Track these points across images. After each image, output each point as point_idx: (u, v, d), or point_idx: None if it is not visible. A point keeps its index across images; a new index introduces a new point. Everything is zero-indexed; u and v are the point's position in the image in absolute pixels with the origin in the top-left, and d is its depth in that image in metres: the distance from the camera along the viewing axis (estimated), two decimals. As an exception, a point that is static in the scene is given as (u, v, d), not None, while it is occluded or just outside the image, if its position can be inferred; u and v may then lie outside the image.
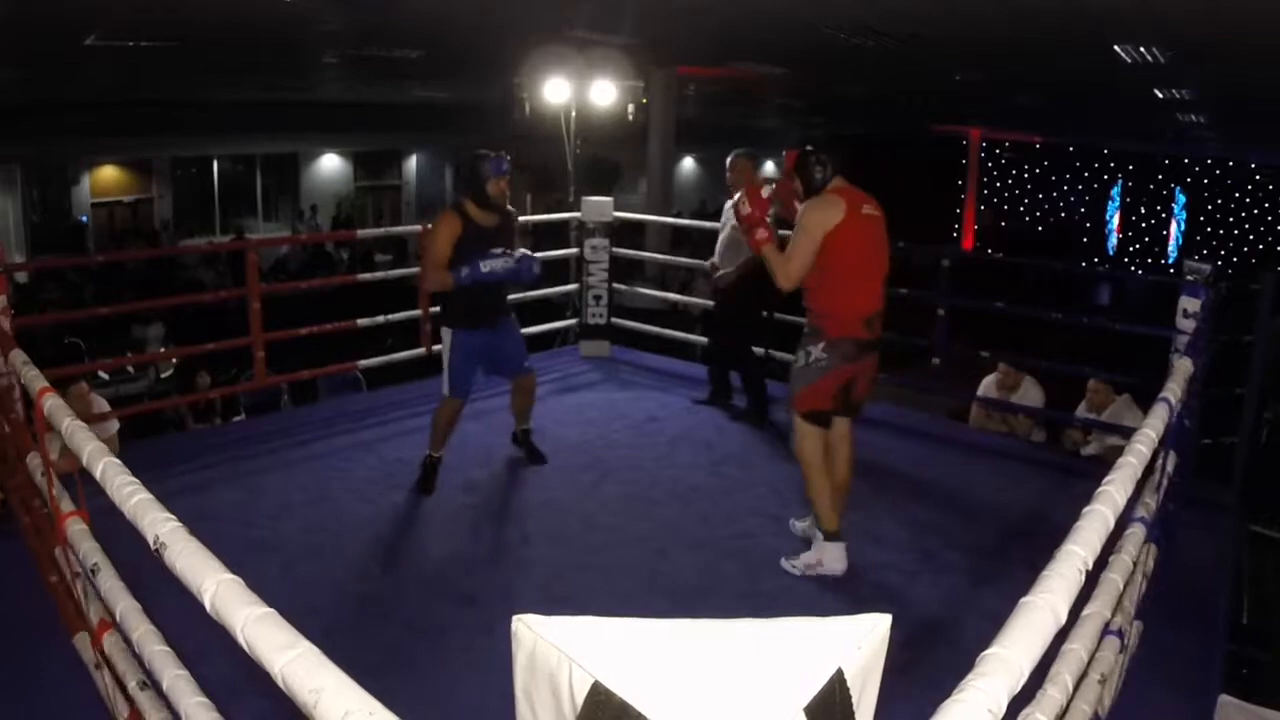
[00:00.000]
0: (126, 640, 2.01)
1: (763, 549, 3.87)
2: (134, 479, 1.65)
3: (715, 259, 5.29)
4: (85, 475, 1.93)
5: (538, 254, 4.40)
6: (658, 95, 10.83)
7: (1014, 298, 5.44)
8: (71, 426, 1.98)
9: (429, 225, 4.28)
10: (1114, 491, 1.63)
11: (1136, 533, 2.27)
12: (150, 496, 1.58)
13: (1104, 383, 5.23)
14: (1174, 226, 18.30)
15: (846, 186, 3.43)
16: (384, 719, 0.98)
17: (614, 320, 6.55)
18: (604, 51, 7.63)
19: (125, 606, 1.98)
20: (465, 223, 4.04)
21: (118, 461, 1.74)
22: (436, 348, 4.66)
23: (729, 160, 5.03)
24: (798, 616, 0.94)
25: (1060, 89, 10.61)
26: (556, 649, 0.90)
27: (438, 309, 4.37)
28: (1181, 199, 18.11)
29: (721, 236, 5.25)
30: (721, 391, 5.59)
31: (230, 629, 1.21)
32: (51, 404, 2.16)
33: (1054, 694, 1.64)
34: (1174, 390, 2.40)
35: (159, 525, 1.46)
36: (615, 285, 6.54)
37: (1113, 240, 19.01)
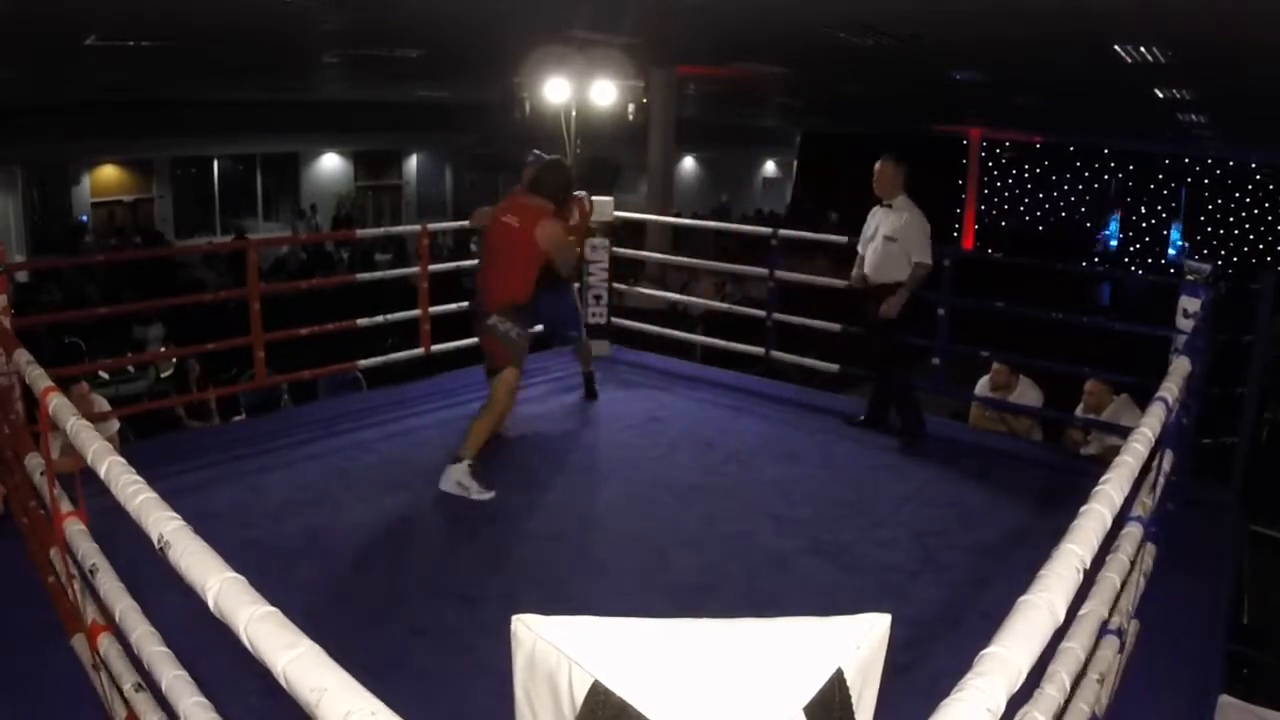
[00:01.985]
0: (124, 641, 2.01)
1: (763, 549, 3.87)
2: (138, 478, 1.66)
3: (867, 272, 5.02)
4: (85, 475, 1.94)
5: None
6: (658, 95, 10.83)
7: (1014, 297, 5.44)
8: (76, 426, 1.98)
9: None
10: (1111, 491, 1.63)
11: (1133, 532, 2.27)
12: (155, 495, 1.59)
13: (1102, 383, 5.23)
14: (1174, 226, 18.29)
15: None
16: (386, 719, 0.98)
17: (614, 320, 6.56)
18: (604, 51, 7.64)
19: (124, 607, 1.98)
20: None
21: (122, 460, 1.74)
22: (436, 348, 4.71)
23: (878, 166, 4.95)
24: (797, 616, 0.94)
25: (1060, 89, 10.61)
26: (556, 649, 0.91)
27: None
28: (1182, 199, 18.11)
29: (875, 248, 4.96)
30: (881, 414, 5.28)
31: (233, 628, 1.21)
32: (56, 403, 2.16)
33: (1051, 692, 1.64)
34: (1171, 389, 2.40)
35: (163, 524, 1.47)
36: (615, 285, 6.54)
37: (1113, 240, 19.01)
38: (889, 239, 4.88)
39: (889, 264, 4.91)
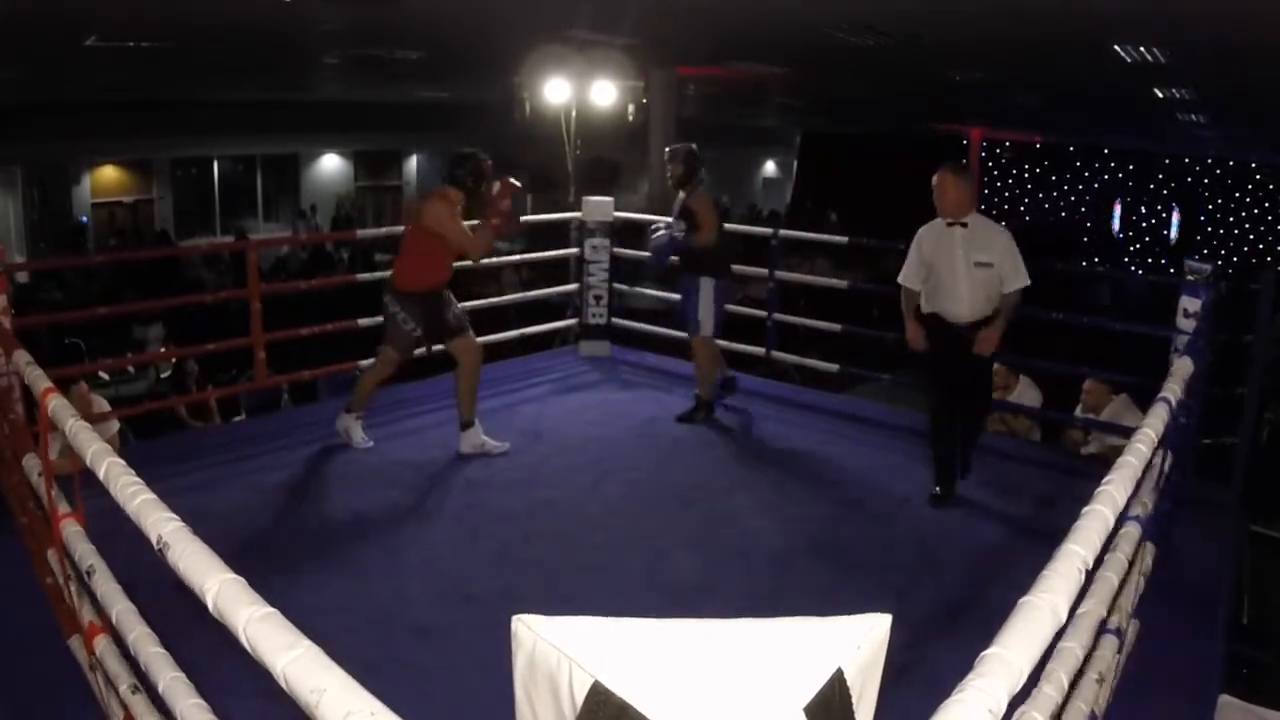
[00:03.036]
0: (121, 642, 2.01)
1: (763, 549, 3.87)
2: (137, 479, 1.66)
3: (965, 311, 4.12)
4: (84, 476, 1.93)
5: (537, 253, 4.55)
6: (658, 95, 10.82)
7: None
8: (75, 427, 1.98)
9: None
10: (1114, 491, 1.63)
11: (1131, 531, 2.27)
12: (153, 496, 1.58)
13: (1101, 383, 5.23)
14: (1174, 226, 18.29)
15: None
16: (385, 719, 0.98)
17: (614, 320, 6.56)
18: (604, 51, 7.64)
19: (121, 609, 1.98)
20: None
21: (121, 461, 1.74)
22: (437, 348, 4.71)
23: (937, 179, 4.23)
24: (797, 616, 0.94)
25: (1060, 89, 10.61)
26: (556, 649, 0.91)
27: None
28: (1182, 198, 18.11)
29: (967, 278, 4.09)
30: (964, 473, 4.46)
31: (232, 629, 1.21)
32: (55, 404, 2.16)
33: (1050, 692, 1.64)
34: (1174, 390, 2.40)
35: (162, 525, 1.47)
36: (615, 285, 6.54)
37: (1114, 240, 19.01)
38: (983, 265, 4.06)
39: (987, 294, 4.10)
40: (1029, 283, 4.05)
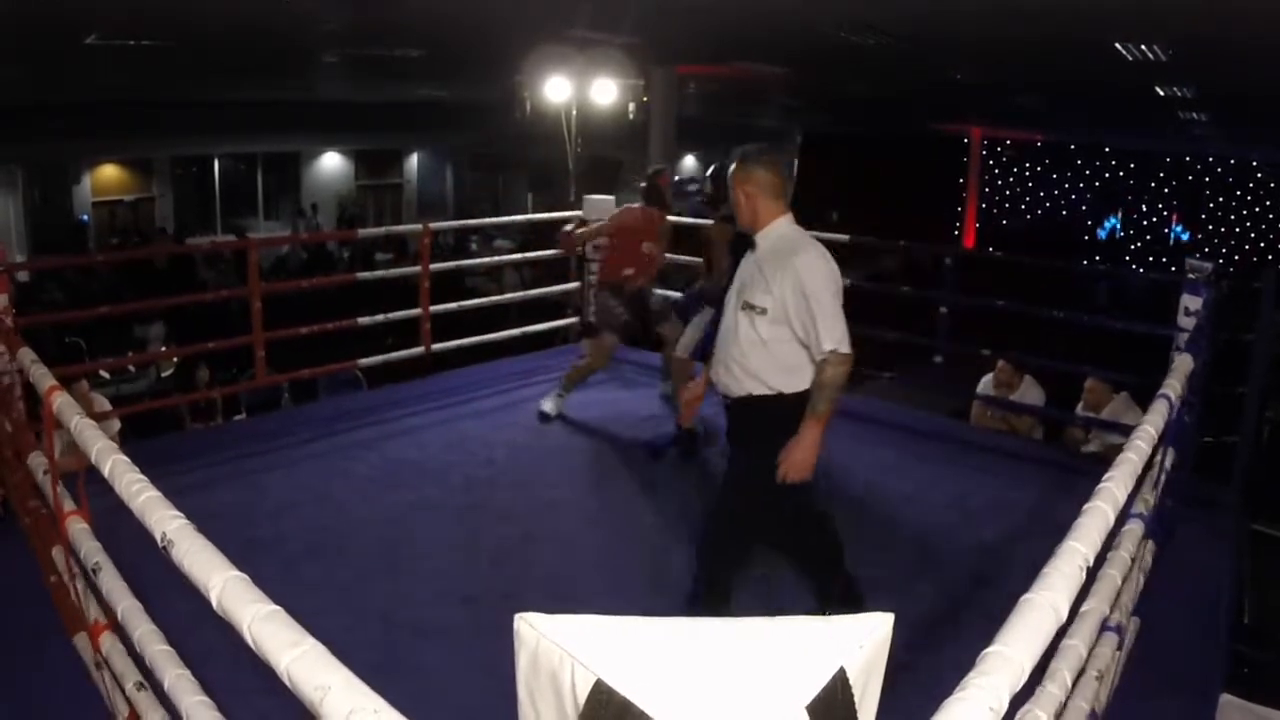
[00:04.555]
0: (127, 640, 2.01)
1: (764, 548, 3.87)
2: (142, 477, 1.66)
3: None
4: (88, 474, 1.94)
5: (538, 253, 4.57)
6: (658, 94, 10.81)
7: (1015, 296, 5.44)
8: (80, 424, 1.98)
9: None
10: (1114, 489, 1.63)
11: (1134, 529, 2.27)
12: (158, 494, 1.59)
13: (1101, 381, 5.23)
14: (1175, 224, 18.28)
15: None
16: (389, 717, 0.98)
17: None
18: (604, 51, 7.64)
19: (127, 606, 1.98)
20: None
21: (126, 459, 1.75)
22: (437, 347, 4.75)
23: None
24: (800, 615, 0.94)
25: (1060, 88, 10.60)
26: (559, 648, 0.91)
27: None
28: (1182, 197, 18.09)
29: (733, 319, 2.95)
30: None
31: (237, 626, 1.21)
32: (61, 402, 2.16)
33: (1053, 690, 1.64)
34: (1174, 387, 2.40)
35: (166, 523, 1.47)
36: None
37: (1114, 238, 18.99)
38: (753, 309, 2.83)
39: (763, 357, 2.84)
40: (843, 347, 2.69)
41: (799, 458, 2.71)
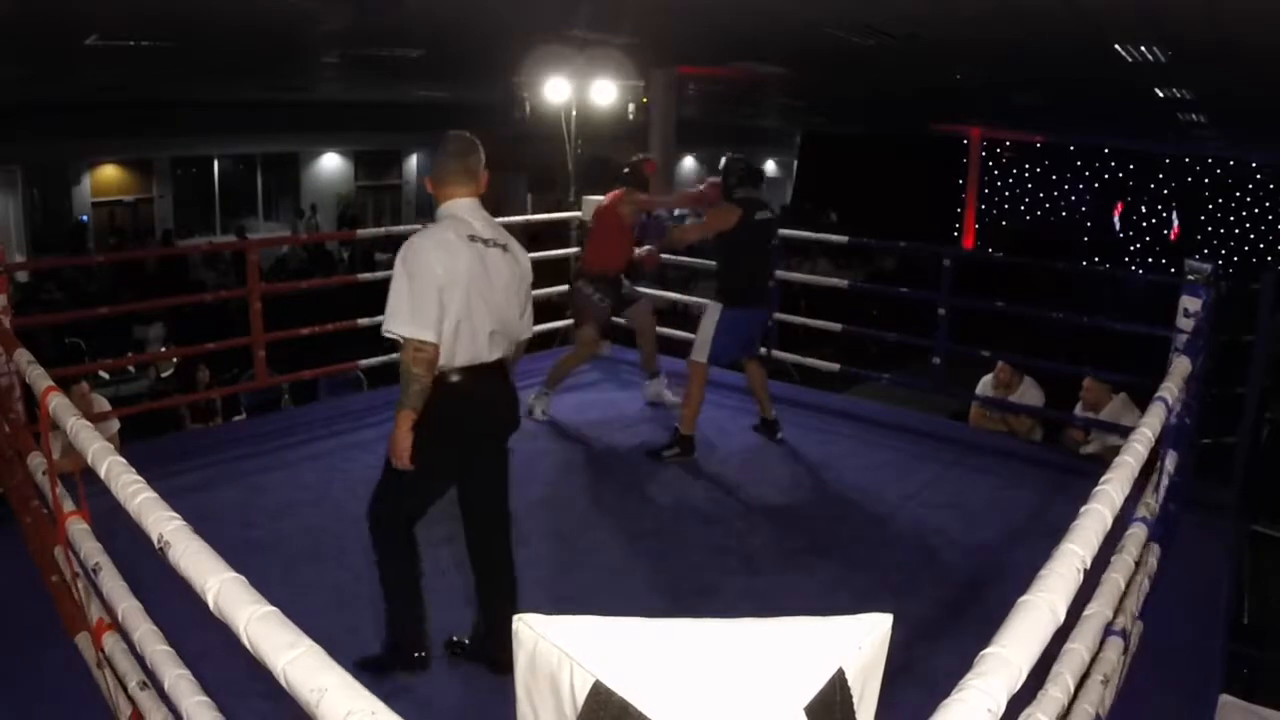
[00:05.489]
0: (127, 640, 2.01)
1: (764, 548, 3.87)
2: (138, 478, 1.66)
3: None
4: (87, 475, 1.94)
5: (537, 253, 4.60)
6: (658, 95, 10.82)
7: (1015, 297, 5.45)
8: (76, 425, 1.98)
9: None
10: (1111, 490, 1.63)
11: (1138, 533, 2.27)
12: (155, 495, 1.59)
13: (1099, 381, 5.23)
14: (1174, 226, 18.28)
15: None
16: (386, 719, 0.98)
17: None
18: (604, 51, 7.63)
19: (127, 607, 1.98)
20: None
21: (123, 460, 1.75)
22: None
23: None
24: (798, 616, 0.94)
25: (1060, 89, 10.60)
26: (557, 648, 0.91)
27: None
28: (1182, 198, 18.10)
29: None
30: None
31: (233, 628, 1.21)
32: (57, 403, 2.16)
33: (1055, 694, 1.64)
34: (1171, 389, 2.39)
35: (163, 524, 1.47)
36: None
37: (1113, 239, 19.00)
38: None
39: None
40: (404, 331, 2.62)
41: (390, 445, 2.70)
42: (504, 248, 2.77)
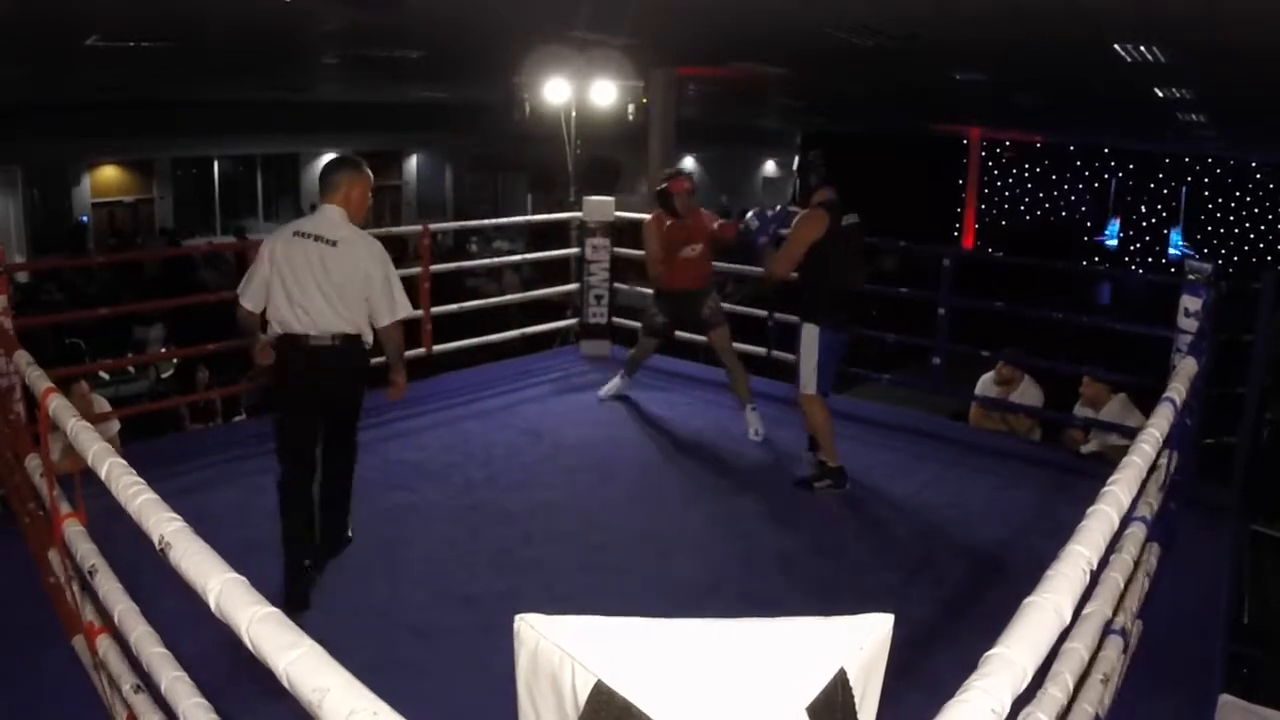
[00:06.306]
0: (123, 642, 2.01)
1: (765, 549, 3.87)
2: (139, 479, 1.66)
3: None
4: (85, 476, 1.93)
5: (538, 253, 4.52)
6: (658, 95, 10.81)
7: (1014, 297, 5.44)
8: (76, 427, 1.98)
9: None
10: (1119, 491, 1.63)
11: (1137, 532, 2.27)
12: (155, 496, 1.58)
13: (1098, 380, 5.23)
14: (1175, 226, 18.29)
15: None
16: (388, 719, 0.98)
17: (615, 320, 6.56)
18: (604, 52, 7.62)
19: (124, 608, 1.98)
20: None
21: (123, 461, 1.74)
22: (437, 348, 4.71)
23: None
24: (800, 616, 0.94)
25: (1060, 89, 10.60)
26: (559, 649, 0.91)
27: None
28: (1182, 198, 18.10)
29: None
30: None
31: (235, 628, 1.21)
32: (56, 404, 2.16)
33: (1055, 693, 1.64)
34: (1179, 390, 2.39)
35: (164, 525, 1.47)
36: (616, 285, 6.54)
37: (1113, 240, 19.00)
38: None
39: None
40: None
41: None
42: (334, 244, 3.31)
